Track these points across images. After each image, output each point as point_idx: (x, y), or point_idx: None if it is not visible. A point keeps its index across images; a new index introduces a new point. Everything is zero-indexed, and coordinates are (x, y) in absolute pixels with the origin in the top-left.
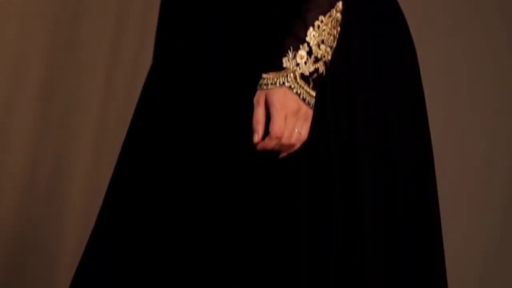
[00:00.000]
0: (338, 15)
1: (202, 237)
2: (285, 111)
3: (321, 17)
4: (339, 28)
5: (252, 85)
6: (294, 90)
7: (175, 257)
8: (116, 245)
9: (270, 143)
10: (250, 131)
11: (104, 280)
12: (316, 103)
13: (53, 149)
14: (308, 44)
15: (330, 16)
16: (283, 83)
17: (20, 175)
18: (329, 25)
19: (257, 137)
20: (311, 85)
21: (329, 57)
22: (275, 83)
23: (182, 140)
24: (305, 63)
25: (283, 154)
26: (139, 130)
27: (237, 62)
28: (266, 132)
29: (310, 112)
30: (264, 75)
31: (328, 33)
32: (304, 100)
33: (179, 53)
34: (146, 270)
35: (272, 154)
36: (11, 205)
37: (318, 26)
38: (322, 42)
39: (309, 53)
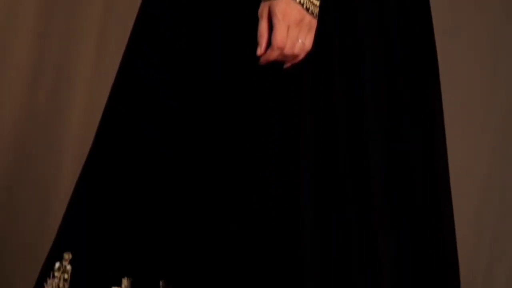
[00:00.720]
0: None
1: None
2: (288, 21)
3: None
4: None
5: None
6: (297, 0)
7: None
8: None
9: (272, 54)
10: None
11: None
12: (319, 13)
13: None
14: None
15: None
16: None
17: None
18: None
19: (259, 50)
20: None
21: None
22: None
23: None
24: None
25: (287, 65)
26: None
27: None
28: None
29: (314, 22)
30: None
31: None
32: (307, 9)
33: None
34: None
35: (276, 65)
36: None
37: None
38: None
39: None
